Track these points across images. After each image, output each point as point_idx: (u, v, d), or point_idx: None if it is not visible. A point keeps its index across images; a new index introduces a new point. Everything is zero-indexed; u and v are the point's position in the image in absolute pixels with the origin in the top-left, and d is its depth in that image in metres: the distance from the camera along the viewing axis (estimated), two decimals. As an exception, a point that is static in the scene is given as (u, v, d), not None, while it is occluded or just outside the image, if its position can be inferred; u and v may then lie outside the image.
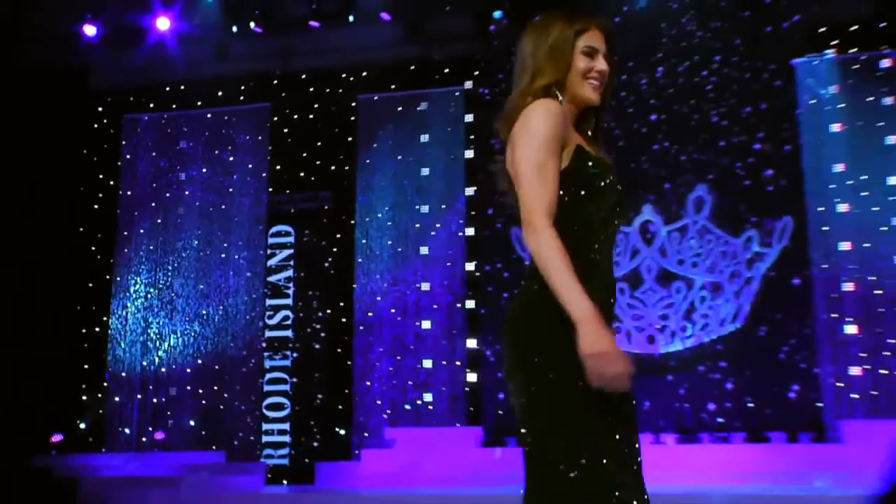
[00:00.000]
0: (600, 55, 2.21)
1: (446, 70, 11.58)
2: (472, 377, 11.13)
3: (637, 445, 2.10)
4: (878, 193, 10.46)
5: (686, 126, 10.81)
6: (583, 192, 2.06)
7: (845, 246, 10.40)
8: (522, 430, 2.04)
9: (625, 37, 10.71)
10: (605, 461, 1.94)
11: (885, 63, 10.57)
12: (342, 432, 11.37)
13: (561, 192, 2.02)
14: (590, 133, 2.32)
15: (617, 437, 1.99)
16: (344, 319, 11.49)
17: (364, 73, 11.67)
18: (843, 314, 10.39)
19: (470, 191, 11.42)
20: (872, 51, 10.69)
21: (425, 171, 11.51)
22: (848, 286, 10.33)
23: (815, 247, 10.51)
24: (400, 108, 11.67)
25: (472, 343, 11.14)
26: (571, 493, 1.92)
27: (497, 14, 11.30)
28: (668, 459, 9.64)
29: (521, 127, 2.06)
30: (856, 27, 10.61)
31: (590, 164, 2.12)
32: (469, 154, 11.44)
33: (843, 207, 10.44)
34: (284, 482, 11.22)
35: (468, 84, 11.57)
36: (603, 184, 2.11)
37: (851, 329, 10.26)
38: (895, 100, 10.54)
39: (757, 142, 10.73)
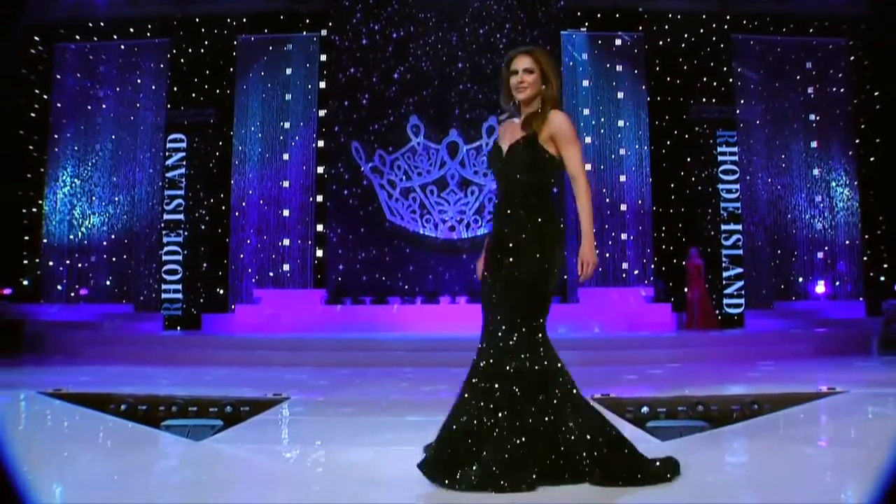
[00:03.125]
0: (520, 72, 3.05)
1: (307, 20, 14.21)
2: (319, 253, 14.05)
3: None
4: (611, 131, 13.97)
5: (483, 73, 13.75)
6: None
7: (588, 167, 13.87)
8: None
9: (441, 4, 13.96)
10: None
11: (618, 42, 14.05)
12: (221, 292, 13.97)
13: None
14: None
15: None
16: (223, 207, 14.03)
17: (244, 20, 14.12)
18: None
19: (322, 112, 14.15)
20: (611, 31, 14.03)
21: (288, 97, 14.12)
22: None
23: (568, 166, 13.93)
24: (271, 48, 14.21)
25: (320, 227, 14.03)
26: None
27: (349, -20, 13.95)
28: (461, 314, 12.56)
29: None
30: (600, 14, 14.06)
31: None
32: (322, 85, 14.20)
33: (588, 140, 13.87)
34: (178, 328, 13.63)
35: (324, 32, 14.23)
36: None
37: (588, 225, 13.82)
38: (624, 67, 14.03)
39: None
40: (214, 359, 9.11)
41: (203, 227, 14.16)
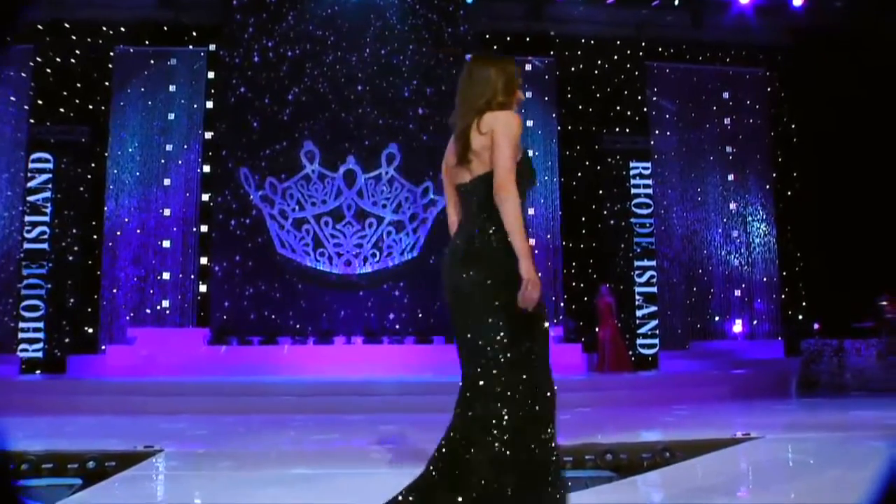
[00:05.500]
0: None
1: (194, 33, 13.12)
2: (202, 288, 12.92)
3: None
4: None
5: (384, 97, 12.98)
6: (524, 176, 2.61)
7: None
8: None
9: (341, 22, 13.02)
10: None
11: (528, 67, 13.40)
12: (90, 330, 12.64)
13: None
14: None
15: None
16: (95, 236, 12.76)
17: (122, 29, 12.89)
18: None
19: (208, 134, 13.09)
20: (521, 55, 13.18)
21: (171, 116, 13.03)
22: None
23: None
24: (152, 62, 13.08)
25: (203, 260, 12.92)
26: None
27: (240, -9, 12.92)
28: (357, 356, 11.82)
29: (501, 126, 2.54)
30: (509, 38, 13.41)
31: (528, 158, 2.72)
32: (209, 104, 13.13)
33: (495, 169, 13.20)
34: (38, 372, 12.18)
35: (212, 47, 13.18)
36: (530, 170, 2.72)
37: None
38: (534, 94, 13.39)
39: (436, 115, 12.87)
40: (80, 406, 8.46)
41: (71, 258, 12.74)
